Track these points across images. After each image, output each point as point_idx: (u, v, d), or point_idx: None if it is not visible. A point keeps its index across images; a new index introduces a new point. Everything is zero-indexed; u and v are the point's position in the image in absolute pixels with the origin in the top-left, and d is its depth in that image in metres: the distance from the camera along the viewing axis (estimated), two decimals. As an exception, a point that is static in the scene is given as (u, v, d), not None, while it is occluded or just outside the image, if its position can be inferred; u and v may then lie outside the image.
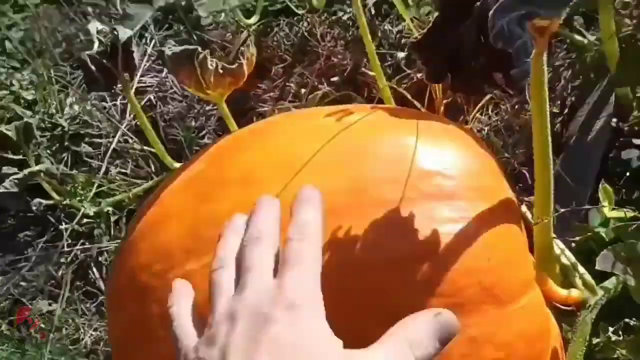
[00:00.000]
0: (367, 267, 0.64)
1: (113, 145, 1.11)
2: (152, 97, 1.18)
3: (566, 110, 1.16)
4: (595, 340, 0.83)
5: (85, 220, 1.05)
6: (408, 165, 0.69)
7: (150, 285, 0.71)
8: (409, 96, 0.89)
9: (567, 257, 0.84)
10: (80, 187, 1.02)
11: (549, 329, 0.71)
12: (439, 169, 0.69)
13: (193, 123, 1.21)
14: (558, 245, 0.84)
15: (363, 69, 1.18)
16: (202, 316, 0.50)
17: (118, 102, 1.14)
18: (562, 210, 0.81)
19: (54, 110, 1.10)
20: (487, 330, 0.64)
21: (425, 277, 0.64)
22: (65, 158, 1.10)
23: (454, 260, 0.65)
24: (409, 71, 1.05)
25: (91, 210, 1.00)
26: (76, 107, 1.10)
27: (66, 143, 1.11)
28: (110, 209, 1.04)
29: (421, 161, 0.70)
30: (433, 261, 0.64)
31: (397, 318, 0.61)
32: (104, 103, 1.14)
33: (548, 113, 0.67)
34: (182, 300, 0.53)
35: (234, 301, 0.45)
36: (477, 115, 1.13)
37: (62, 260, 1.06)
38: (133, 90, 1.04)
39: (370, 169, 0.69)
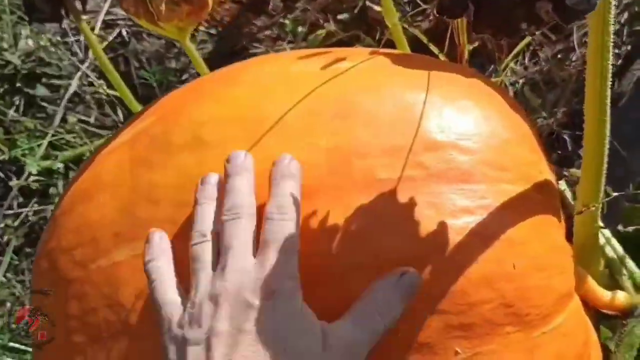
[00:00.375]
0: (347, 271, 0.48)
1: (73, 88, 0.94)
2: (124, 32, 1.00)
3: (620, 62, 0.96)
4: (644, 356, 0.66)
5: (37, 177, 0.89)
6: (411, 131, 0.51)
7: (70, 277, 0.55)
8: (423, 38, 0.69)
9: (614, 249, 0.67)
10: (26, 138, 0.86)
11: (589, 353, 0.54)
12: (453, 138, 0.51)
13: (173, 64, 1.03)
14: (603, 234, 0.66)
15: (375, 5, 0.98)
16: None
17: (82, 38, 0.97)
18: (615, 194, 0.62)
19: (5, 45, 0.93)
20: (507, 360, 0.48)
21: (424, 287, 0.47)
22: (17, 102, 0.94)
23: (467, 265, 0.48)
24: (425, 6, 0.85)
25: (35, 166, 0.83)
26: (31, 42, 0.93)
27: (18, 84, 0.94)
28: (61, 165, 0.88)
29: (429, 127, 0.52)
30: (437, 266, 0.48)
31: (385, 340, 0.46)
32: (66, 38, 0.97)
33: (610, 66, 0.49)
34: (160, 257, 0.50)
35: (216, 282, 0.46)
36: (511, 64, 0.93)
37: (9, 222, 0.90)
38: (99, 23, 0.86)
39: (358, 135, 0.51)
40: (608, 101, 0.51)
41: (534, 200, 0.52)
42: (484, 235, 0.48)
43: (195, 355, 0.44)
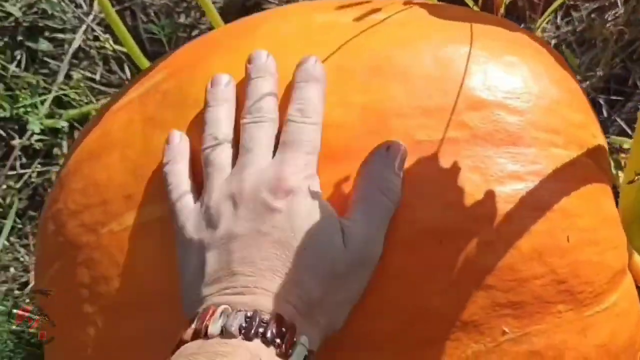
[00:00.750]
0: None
1: (77, 43, 0.88)
2: (131, -16, 0.94)
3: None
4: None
5: (41, 136, 0.84)
6: (453, 89, 0.46)
7: (78, 242, 0.51)
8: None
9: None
10: (29, 94, 0.81)
11: (642, 333, 0.50)
12: (500, 97, 0.47)
13: (182, 19, 0.98)
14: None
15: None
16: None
17: (87, -12, 0.91)
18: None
19: (6, -5, 0.87)
20: (557, 341, 0.44)
21: (469, 261, 0.43)
22: (19, 57, 0.89)
23: (516, 237, 0.43)
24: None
25: (37, 125, 0.79)
26: (33, -8, 0.87)
27: (20, 38, 0.89)
28: (65, 124, 0.83)
29: (473, 84, 0.47)
30: (483, 237, 0.43)
31: (422, 320, 0.42)
32: (69, -11, 0.91)
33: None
34: (179, 159, 0.47)
35: (233, 182, 0.44)
36: (543, 24, 0.87)
37: (11, 183, 0.86)
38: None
39: (394, 93, 0.46)
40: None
41: (587, 167, 0.48)
42: (535, 205, 0.44)
43: (215, 259, 0.42)
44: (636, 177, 0.51)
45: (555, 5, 0.76)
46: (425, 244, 0.43)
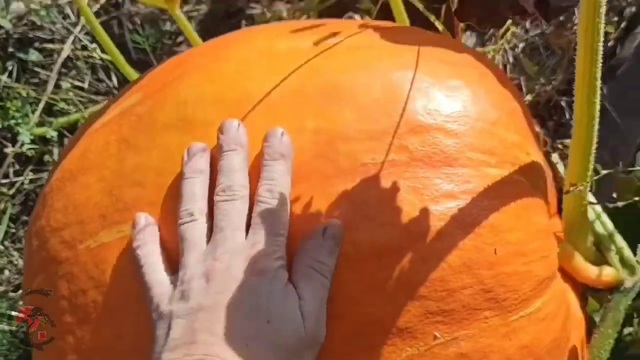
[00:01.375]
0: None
1: (66, 53, 0.93)
2: (116, -6, 0.98)
3: (623, 24, 0.92)
4: (627, 330, 0.66)
5: (32, 145, 0.89)
6: (396, 114, 0.50)
7: (59, 257, 0.55)
8: (419, 5, 0.68)
9: (603, 225, 0.66)
10: (20, 105, 0.85)
11: (567, 336, 0.54)
12: (440, 121, 0.51)
13: (168, 26, 1.01)
14: (593, 210, 0.66)
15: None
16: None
17: None
18: (604, 172, 0.61)
19: (-4, 8, 0.91)
20: (483, 344, 0.48)
21: (405, 275, 0.47)
22: (10, 68, 0.93)
23: (447, 252, 0.48)
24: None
25: (27, 135, 0.83)
26: (22, 4, 0.91)
27: (10, 49, 0.93)
28: (55, 133, 0.88)
29: (415, 109, 0.51)
30: (418, 252, 0.48)
31: (364, 330, 0.47)
32: (58, 0, 0.95)
33: (601, 47, 0.47)
34: (149, 241, 0.51)
35: (208, 261, 0.47)
36: (511, 28, 0.90)
37: (4, 190, 0.91)
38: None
39: (344, 118, 0.50)
40: (598, 83, 0.49)
41: (519, 184, 0.52)
42: (465, 222, 0.48)
43: (180, 327, 0.45)
44: (571, 188, 0.55)
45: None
46: (367, 261, 0.47)
